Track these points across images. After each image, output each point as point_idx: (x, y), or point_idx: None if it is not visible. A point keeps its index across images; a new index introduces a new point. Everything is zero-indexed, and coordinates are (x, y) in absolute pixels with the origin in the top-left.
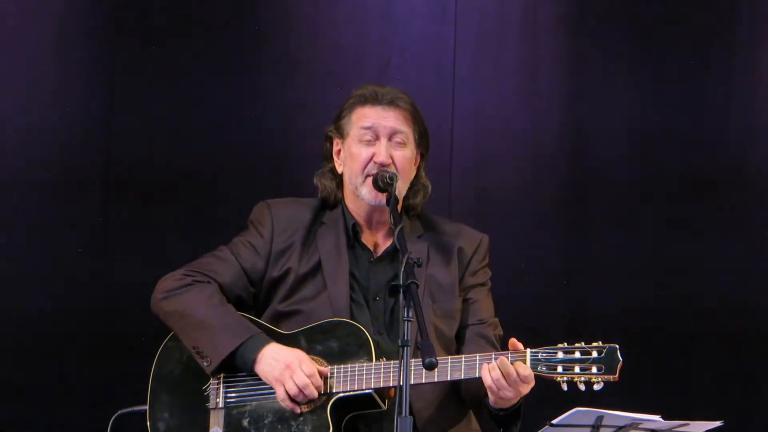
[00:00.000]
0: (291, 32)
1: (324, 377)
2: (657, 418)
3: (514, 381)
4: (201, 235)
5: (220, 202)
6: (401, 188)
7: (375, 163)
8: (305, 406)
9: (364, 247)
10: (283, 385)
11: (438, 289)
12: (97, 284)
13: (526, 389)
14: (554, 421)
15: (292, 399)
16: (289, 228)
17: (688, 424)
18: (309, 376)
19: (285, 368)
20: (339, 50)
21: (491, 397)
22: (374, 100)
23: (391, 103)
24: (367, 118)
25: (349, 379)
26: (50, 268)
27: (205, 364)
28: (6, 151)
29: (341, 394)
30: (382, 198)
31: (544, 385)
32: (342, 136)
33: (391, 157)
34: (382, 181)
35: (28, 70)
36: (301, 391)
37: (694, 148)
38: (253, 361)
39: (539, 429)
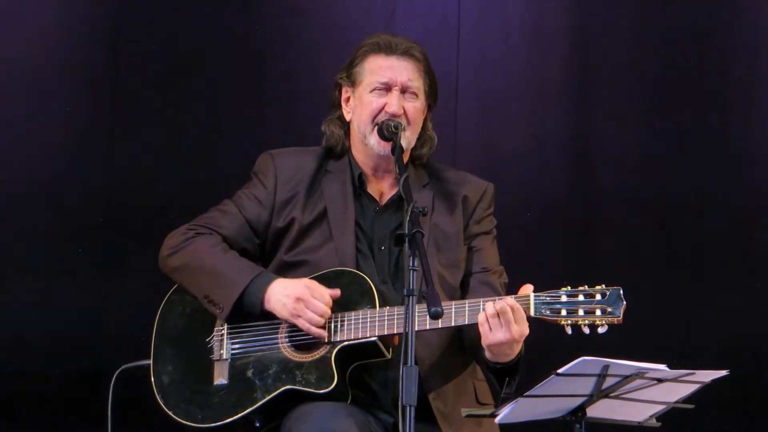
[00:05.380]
0: None
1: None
2: (663, 367)
3: (507, 320)
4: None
5: (224, 146)
6: (411, 139)
7: (386, 113)
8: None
9: (370, 197)
10: (300, 317)
11: (443, 238)
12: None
13: (517, 331)
14: (560, 371)
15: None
16: (292, 178)
17: (694, 373)
18: (327, 304)
19: (296, 301)
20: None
21: (484, 343)
22: (388, 49)
23: (405, 53)
24: (381, 68)
25: (353, 327)
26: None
27: (217, 311)
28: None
29: (345, 343)
30: (388, 147)
31: (549, 335)
32: (353, 84)
33: (403, 109)
34: (387, 130)
35: None
36: (322, 317)
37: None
38: (262, 300)
39: (545, 378)
